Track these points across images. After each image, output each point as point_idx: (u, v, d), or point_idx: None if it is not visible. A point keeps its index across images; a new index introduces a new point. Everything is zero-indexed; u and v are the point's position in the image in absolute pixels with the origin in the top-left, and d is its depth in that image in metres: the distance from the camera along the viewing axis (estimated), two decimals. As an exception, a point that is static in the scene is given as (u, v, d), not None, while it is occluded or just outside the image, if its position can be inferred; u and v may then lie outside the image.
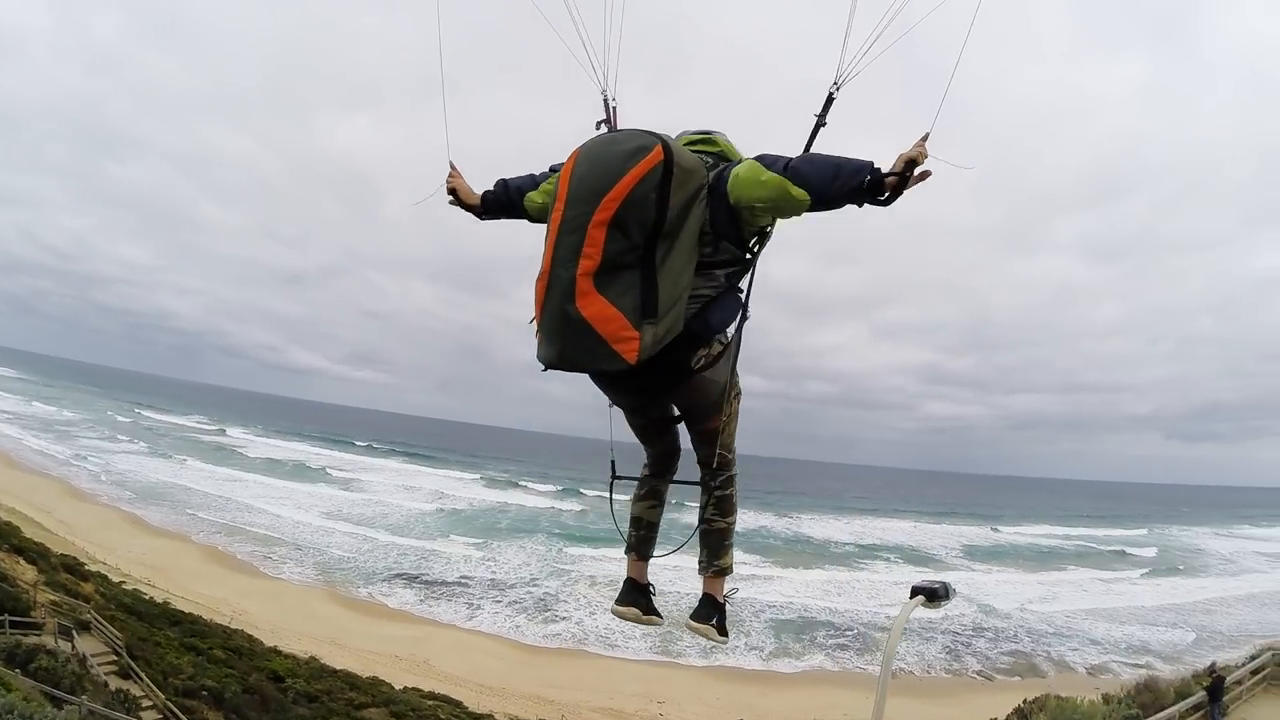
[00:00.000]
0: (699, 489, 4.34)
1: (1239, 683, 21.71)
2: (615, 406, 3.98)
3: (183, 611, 30.19)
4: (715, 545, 4.42)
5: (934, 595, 3.84)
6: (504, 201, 3.77)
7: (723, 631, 4.46)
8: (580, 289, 2.90)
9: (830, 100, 3.73)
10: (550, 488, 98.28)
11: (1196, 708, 19.54)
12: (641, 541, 4.74)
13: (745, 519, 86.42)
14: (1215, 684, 19.82)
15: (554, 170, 3.48)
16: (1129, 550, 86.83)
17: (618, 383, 3.51)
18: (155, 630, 25.53)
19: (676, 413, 4.07)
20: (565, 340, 2.99)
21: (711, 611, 4.46)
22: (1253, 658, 24.59)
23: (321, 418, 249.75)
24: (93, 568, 34.12)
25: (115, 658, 21.92)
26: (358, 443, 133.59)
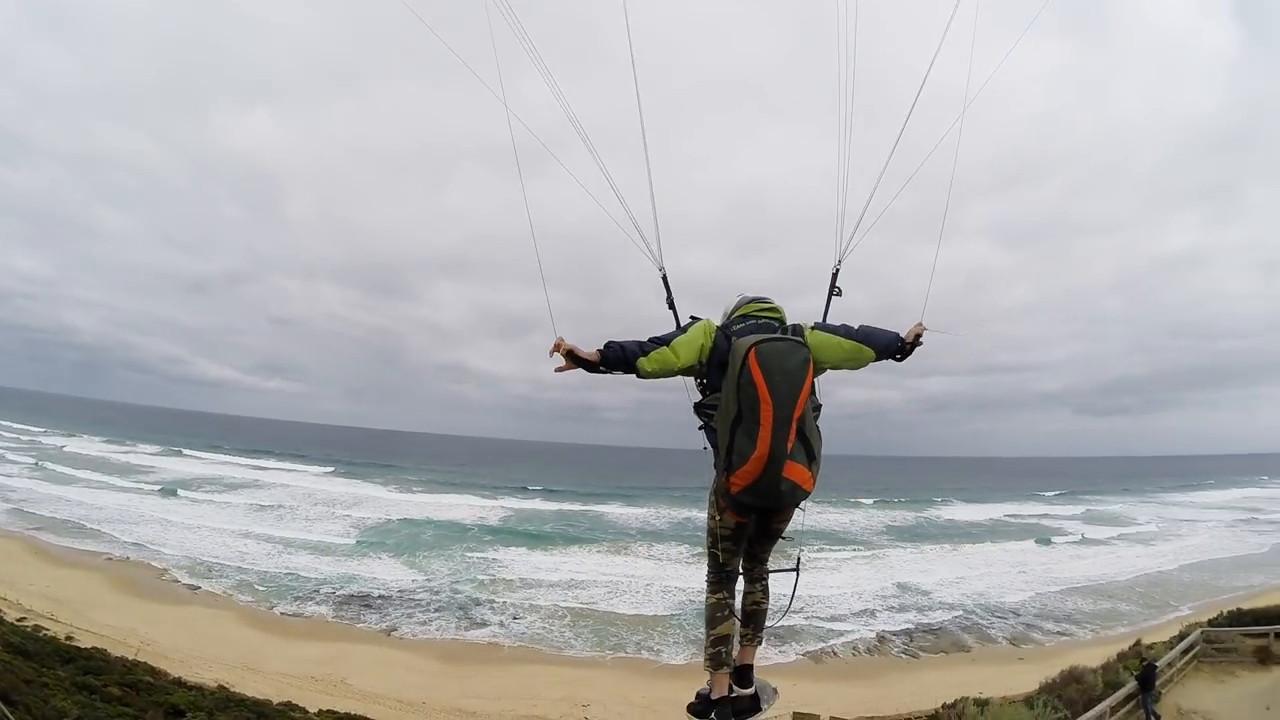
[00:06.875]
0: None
1: (1170, 664, 21.86)
2: (740, 523, 4.89)
3: (79, 648, 28.58)
4: (762, 621, 5.35)
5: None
6: (623, 360, 4.38)
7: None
8: (787, 464, 4.24)
9: (835, 275, 5.24)
10: (471, 493, 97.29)
11: (1128, 698, 19.62)
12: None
13: (669, 513, 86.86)
14: (1146, 672, 19.76)
15: (655, 341, 4.51)
16: (1047, 522, 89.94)
17: (790, 505, 4.68)
18: (45, 670, 23.91)
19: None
20: (780, 495, 4.33)
21: (752, 677, 5.32)
22: (1182, 636, 24.95)
23: (232, 431, 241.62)
24: (-11, 606, 32.34)
25: (-14, 707, 20.50)
26: (271, 456, 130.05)
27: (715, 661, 4.99)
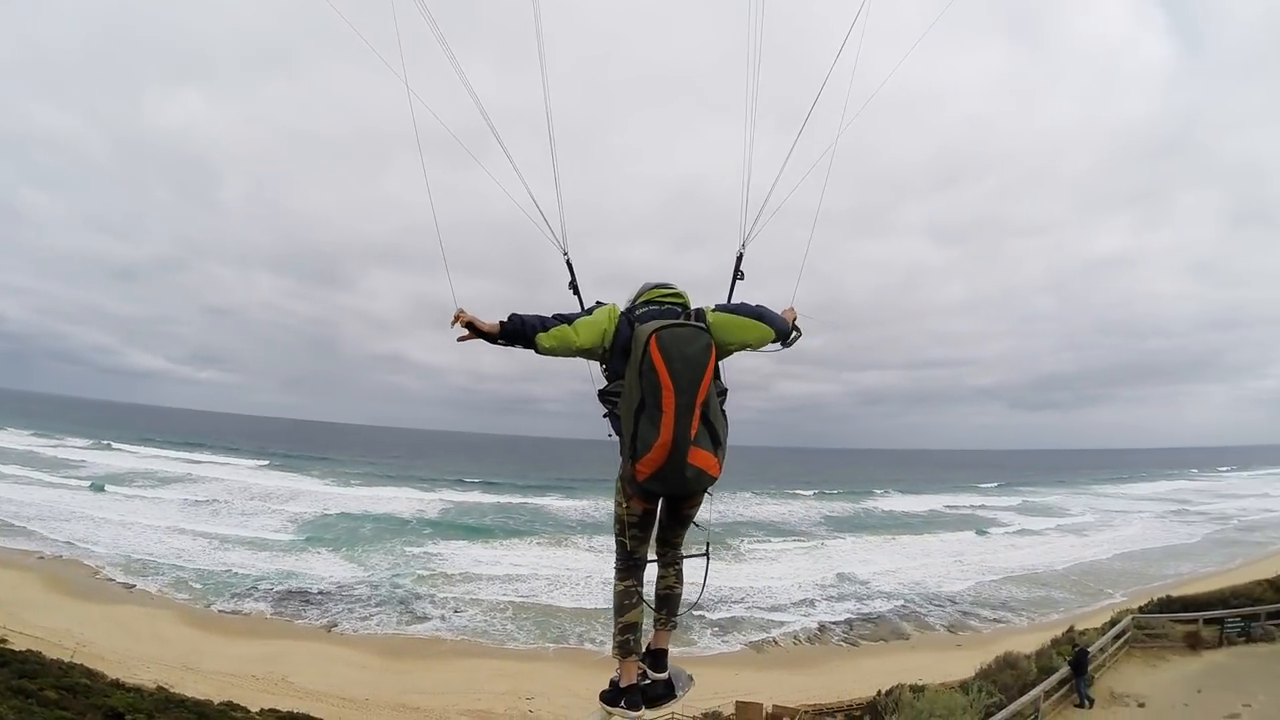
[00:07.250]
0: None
1: (1102, 650, 22.37)
2: (648, 510, 4.98)
3: (13, 650, 27.60)
4: (675, 606, 5.28)
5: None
6: (522, 333, 4.39)
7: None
8: (692, 450, 4.28)
9: (739, 259, 5.30)
10: (410, 486, 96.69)
11: (1062, 682, 19.91)
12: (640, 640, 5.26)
13: (608, 505, 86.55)
14: (1079, 657, 20.23)
15: (559, 319, 4.49)
16: (983, 513, 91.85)
17: (697, 491, 4.73)
18: (-22, 675, 23.31)
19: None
20: (686, 482, 4.38)
21: (666, 662, 5.34)
22: (1114, 623, 25.63)
23: (165, 424, 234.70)
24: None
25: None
26: (204, 449, 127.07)
27: (624, 649, 5.07)
